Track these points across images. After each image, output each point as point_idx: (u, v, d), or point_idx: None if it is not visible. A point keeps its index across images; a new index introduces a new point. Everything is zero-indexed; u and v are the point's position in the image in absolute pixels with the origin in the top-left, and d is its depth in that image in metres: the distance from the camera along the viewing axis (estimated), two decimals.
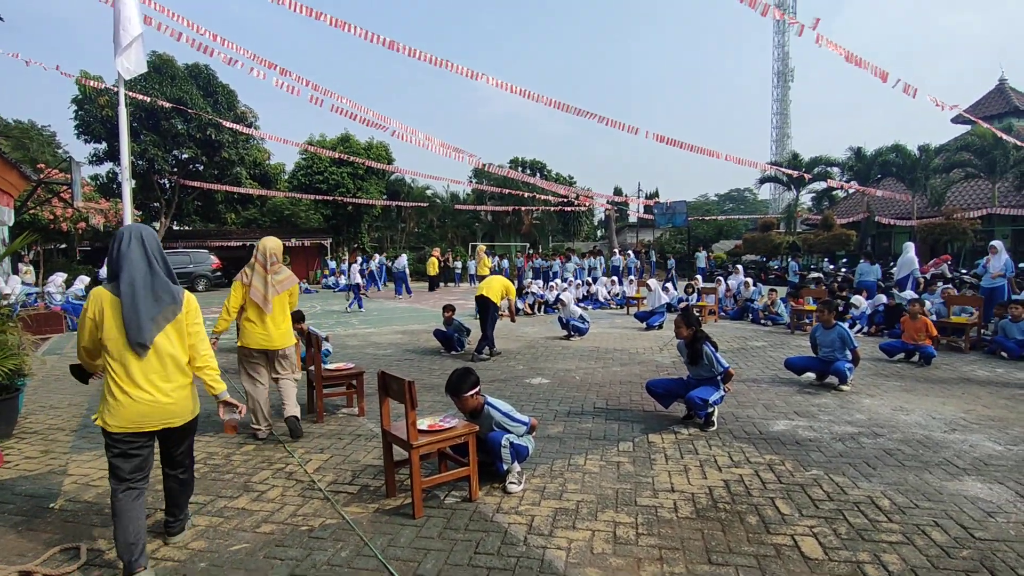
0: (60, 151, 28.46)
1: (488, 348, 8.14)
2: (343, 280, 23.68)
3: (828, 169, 26.15)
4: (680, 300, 13.01)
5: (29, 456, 4.24)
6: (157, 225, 24.84)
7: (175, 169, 25.59)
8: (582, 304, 14.08)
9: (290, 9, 8.25)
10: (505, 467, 3.54)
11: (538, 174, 35.72)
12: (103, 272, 15.47)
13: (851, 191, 24.29)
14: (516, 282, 18.70)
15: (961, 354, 8.12)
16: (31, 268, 15.16)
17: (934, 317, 8.67)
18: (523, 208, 32.87)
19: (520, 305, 12.79)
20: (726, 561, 2.71)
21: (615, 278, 17.63)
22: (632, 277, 19.64)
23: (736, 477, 3.71)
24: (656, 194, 41.65)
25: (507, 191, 27.54)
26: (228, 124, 20.78)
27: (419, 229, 37.80)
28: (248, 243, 26.47)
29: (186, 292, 2.83)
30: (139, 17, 5.73)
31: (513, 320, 8.41)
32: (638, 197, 35.72)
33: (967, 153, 21.70)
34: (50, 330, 10.78)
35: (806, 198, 30.44)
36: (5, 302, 6.35)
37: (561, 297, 11.27)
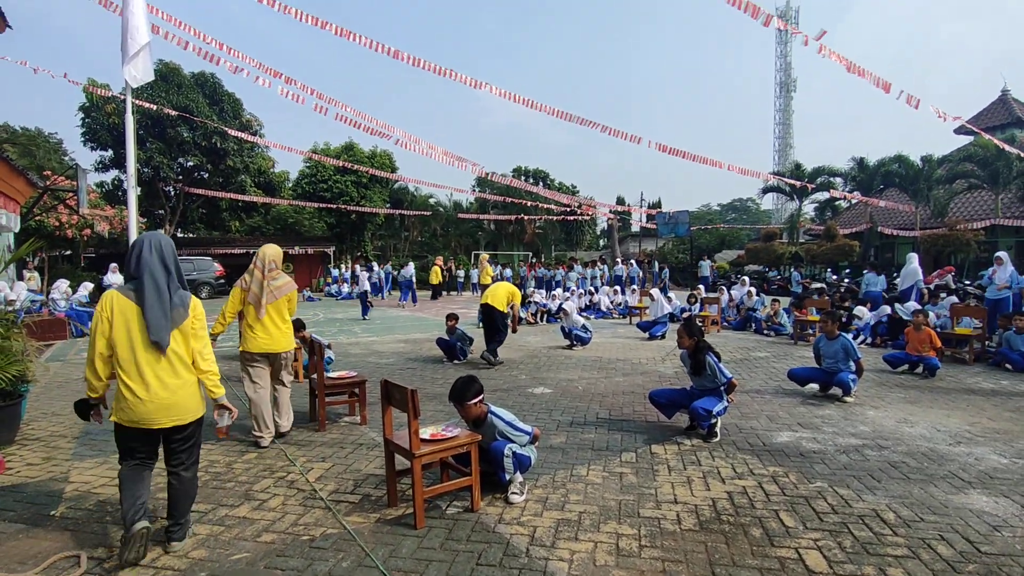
0: (66, 158, 28.60)
1: (494, 353, 8.19)
2: (345, 288, 23.74)
3: (831, 179, 26.20)
4: (683, 310, 12.99)
5: (31, 463, 4.24)
6: (162, 232, 24.92)
7: (180, 176, 25.75)
8: (584, 313, 14.07)
9: (296, 19, 8.33)
10: (507, 477, 3.53)
11: (541, 183, 35.80)
12: (107, 279, 15.55)
13: (854, 201, 24.34)
14: (520, 291, 18.69)
15: (965, 366, 8.08)
16: (35, 274, 15.20)
17: (938, 329, 8.63)
18: (526, 217, 32.92)
19: (523, 314, 12.77)
20: (730, 574, 2.69)
21: (617, 287, 17.63)
22: (635, 287, 19.63)
23: (740, 489, 3.69)
24: (659, 204, 41.68)
25: (510, 200, 27.61)
26: (233, 132, 20.87)
27: (422, 238, 37.87)
28: (252, 251, 26.53)
29: (192, 297, 3.02)
30: (147, 26, 5.80)
31: (514, 330, 8.40)
32: (640, 207, 35.78)
33: (970, 164, 21.74)
34: (54, 337, 10.80)
35: (809, 208, 30.51)
36: (10, 308, 6.38)
37: (564, 306, 11.27)
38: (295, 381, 6.13)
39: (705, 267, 23.46)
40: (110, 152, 24.25)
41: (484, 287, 16.43)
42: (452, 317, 8.68)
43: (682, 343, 5.02)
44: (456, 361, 8.42)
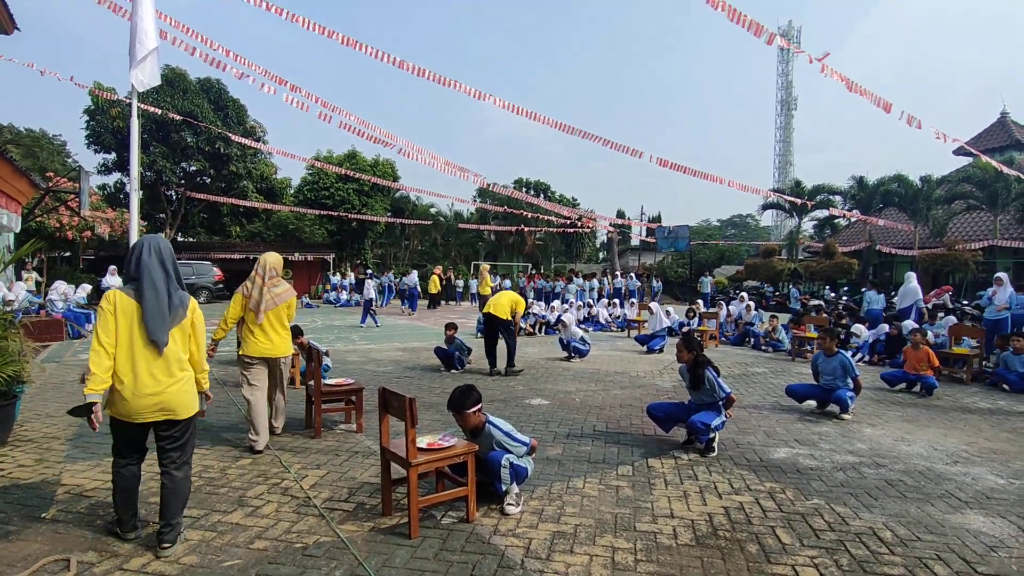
0: (70, 160, 28.74)
1: (491, 365, 8.21)
2: (344, 295, 23.71)
3: (830, 197, 26.32)
4: (681, 324, 13.00)
5: (23, 464, 4.21)
6: (161, 236, 24.94)
7: (182, 181, 25.80)
8: (583, 326, 14.06)
9: (304, 27, 8.41)
10: (504, 488, 3.51)
11: (542, 195, 35.94)
12: (105, 281, 15.53)
13: (853, 220, 24.38)
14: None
15: (963, 385, 8.07)
16: (34, 275, 15.19)
17: (936, 348, 8.63)
18: (526, 228, 33.00)
19: (522, 325, 12.77)
20: None
21: (616, 300, 17.64)
22: (634, 300, 19.64)
23: (736, 504, 3.67)
24: (659, 218, 41.86)
25: (511, 211, 27.68)
26: (237, 138, 20.96)
27: (423, 247, 37.92)
28: (252, 256, 26.55)
29: (191, 298, 3.13)
30: (156, 31, 5.84)
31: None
32: (640, 220, 35.90)
33: (969, 185, 21.85)
34: (50, 338, 10.77)
35: (808, 226, 30.62)
36: (8, 308, 6.37)
37: (563, 318, 11.27)
38: (291, 387, 6.12)
39: (706, 283, 23.47)
40: (113, 155, 24.33)
41: (483, 297, 16.43)
42: (451, 326, 8.67)
43: (681, 357, 5.02)
44: (454, 371, 8.40)
